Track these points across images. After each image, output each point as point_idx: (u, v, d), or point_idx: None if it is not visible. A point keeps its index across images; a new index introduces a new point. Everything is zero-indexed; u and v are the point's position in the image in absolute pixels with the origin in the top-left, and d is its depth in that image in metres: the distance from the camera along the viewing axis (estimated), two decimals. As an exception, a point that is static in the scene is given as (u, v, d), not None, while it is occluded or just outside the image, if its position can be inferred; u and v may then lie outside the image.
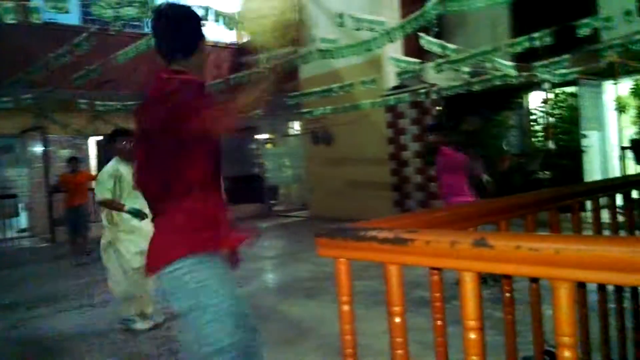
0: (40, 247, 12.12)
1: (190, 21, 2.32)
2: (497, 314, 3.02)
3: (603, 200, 2.45)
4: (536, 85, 9.94)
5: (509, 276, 1.77)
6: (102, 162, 14.42)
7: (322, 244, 1.42)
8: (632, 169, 9.02)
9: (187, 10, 2.38)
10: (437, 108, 11.08)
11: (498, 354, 1.89)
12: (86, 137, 14.20)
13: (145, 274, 2.22)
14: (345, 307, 1.41)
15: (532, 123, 11.12)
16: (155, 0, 5.35)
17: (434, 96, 10.64)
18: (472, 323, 1.17)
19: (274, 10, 2.06)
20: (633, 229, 2.63)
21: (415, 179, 11.78)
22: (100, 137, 14.44)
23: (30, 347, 4.91)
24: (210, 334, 2.11)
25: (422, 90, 10.54)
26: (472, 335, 1.18)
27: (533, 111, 11.08)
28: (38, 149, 13.49)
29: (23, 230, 13.66)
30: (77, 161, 9.81)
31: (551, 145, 9.78)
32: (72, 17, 13.02)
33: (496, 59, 8.30)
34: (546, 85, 9.45)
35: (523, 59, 9.06)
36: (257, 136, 16.68)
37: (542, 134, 10.49)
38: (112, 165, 5.02)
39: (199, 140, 2.13)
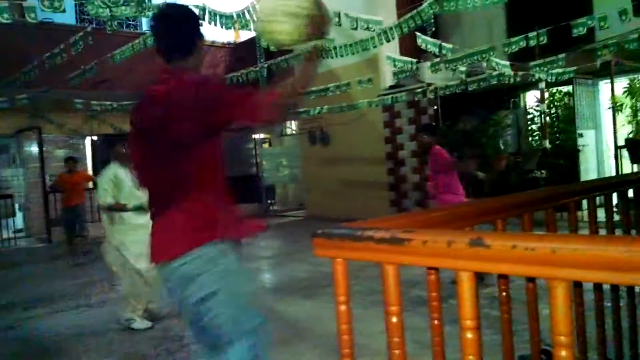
0: (37, 247, 12.09)
1: (191, 21, 2.36)
2: (494, 313, 3.03)
3: (599, 200, 2.45)
4: (532, 85, 9.96)
5: (506, 275, 1.77)
6: (98, 162, 14.41)
7: (319, 244, 1.42)
8: (627, 168, 9.05)
9: (186, 10, 2.43)
10: (434, 107, 11.09)
11: (495, 353, 1.89)
12: (82, 137, 14.18)
13: (161, 262, 2.21)
14: (343, 307, 1.41)
15: (528, 122, 11.14)
16: (151, -1, 5.35)
17: (430, 95, 10.65)
18: (469, 322, 1.17)
19: (295, 7, 2.09)
20: (629, 228, 2.64)
21: (412, 178, 11.78)
22: (96, 137, 14.43)
23: (27, 348, 4.90)
24: (235, 317, 2.17)
25: (419, 90, 10.56)
26: (469, 335, 1.18)
27: (529, 110, 11.11)
28: (34, 148, 13.45)
29: (19, 231, 13.61)
30: (74, 161, 9.80)
31: (547, 144, 9.80)
32: (68, 17, 12.97)
33: (492, 58, 8.32)
34: (542, 85, 9.47)
35: (519, 59, 9.08)
36: (253, 136, 16.66)
37: (538, 133, 10.52)
38: (111, 169, 5.11)
39: (213, 135, 2.21)
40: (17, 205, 13.55)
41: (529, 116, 11.08)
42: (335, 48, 7.74)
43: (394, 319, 1.33)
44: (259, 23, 2.21)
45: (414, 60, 9.35)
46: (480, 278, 5.01)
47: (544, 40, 7.86)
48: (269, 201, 16.94)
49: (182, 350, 4.36)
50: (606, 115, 10.07)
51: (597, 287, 2.25)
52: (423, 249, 1.18)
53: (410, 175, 11.83)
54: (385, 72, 11.52)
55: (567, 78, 9.25)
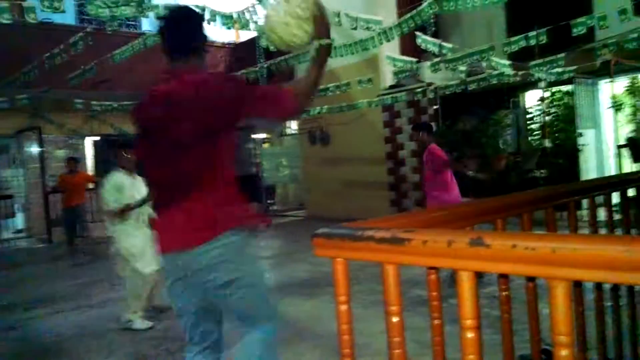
0: (37, 248, 12.10)
1: (199, 23, 2.46)
2: (494, 312, 3.03)
3: (599, 199, 2.45)
4: (532, 84, 9.96)
5: (506, 275, 1.77)
6: (98, 162, 14.43)
7: (319, 244, 1.42)
8: (628, 167, 9.05)
9: (195, 13, 2.54)
10: (434, 107, 11.09)
11: (495, 352, 1.89)
12: (82, 137, 14.18)
13: (179, 250, 2.26)
14: (343, 307, 1.41)
15: (528, 122, 11.14)
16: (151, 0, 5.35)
17: (430, 95, 10.65)
18: (469, 322, 1.17)
19: (300, 11, 2.22)
20: (629, 227, 2.64)
21: (412, 178, 11.78)
22: (97, 137, 14.42)
23: (28, 348, 4.90)
24: (260, 301, 2.35)
25: (419, 90, 10.55)
26: (470, 334, 1.18)
27: (529, 110, 11.11)
28: (34, 149, 13.45)
29: (20, 231, 13.62)
30: (75, 161, 9.81)
31: (547, 143, 9.80)
32: (68, 17, 12.99)
33: (492, 58, 8.31)
34: (542, 84, 9.47)
35: (519, 58, 9.08)
36: (254, 136, 16.66)
37: (538, 132, 10.51)
38: (113, 176, 5.19)
39: (235, 128, 2.36)
40: (17, 206, 13.56)
41: (529, 116, 11.07)
42: (335, 48, 7.74)
43: (395, 319, 1.33)
44: (270, 30, 2.30)
45: (414, 60, 9.36)
46: (479, 276, 5.05)
47: (543, 39, 7.86)
48: (269, 201, 16.93)
49: (182, 350, 4.36)
50: (606, 114, 10.07)
51: (597, 286, 2.25)
52: (423, 249, 1.18)
53: (410, 175, 11.84)
54: (385, 72, 11.53)
55: (567, 77, 9.24)
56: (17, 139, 13.68)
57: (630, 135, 9.48)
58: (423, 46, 8.01)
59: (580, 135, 9.76)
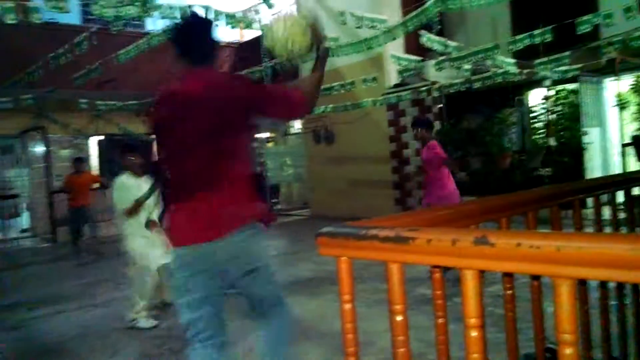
0: (42, 248, 12.14)
1: (210, 30, 2.60)
2: (499, 311, 3.02)
3: (604, 198, 2.45)
4: (537, 83, 9.93)
5: (510, 274, 1.77)
6: (103, 162, 14.47)
7: (323, 243, 1.42)
8: (633, 165, 9.02)
9: (209, 21, 2.75)
10: (438, 106, 11.08)
11: (499, 351, 1.89)
12: (86, 137, 14.21)
13: (200, 242, 2.39)
14: (347, 306, 1.41)
15: (532, 120, 11.11)
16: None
17: (435, 94, 10.64)
18: (473, 321, 1.17)
19: (296, 27, 2.43)
20: (634, 226, 2.63)
21: (416, 176, 11.75)
22: (101, 137, 14.47)
23: (32, 348, 4.92)
24: (275, 286, 2.61)
25: (423, 88, 10.54)
26: (474, 333, 1.18)
27: (534, 108, 11.07)
28: (39, 149, 13.49)
29: (24, 231, 13.67)
30: (81, 162, 9.84)
31: (552, 142, 9.77)
32: (73, 17, 13.02)
33: (497, 56, 8.30)
34: (547, 83, 9.44)
35: (524, 56, 9.05)
36: (258, 135, 16.66)
37: (543, 131, 10.48)
38: (119, 178, 5.30)
39: (247, 127, 2.50)
40: (22, 206, 13.61)
41: (534, 114, 11.03)
42: (340, 47, 7.74)
43: (399, 318, 1.33)
44: (276, 41, 2.46)
45: (419, 58, 9.34)
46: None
47: (548, 38, 7.83)
48: (273, 200, 16.94)
49: (186, 349, 4.37)
50: (611, 112, 10.03)
51: (602, 285, 2.25)
52: (427, 248, 1.18)
53: (414, 174, 11.81)
54: (390, 70, 11.51)
55: (572, 76, 9.20)
56: (22, 139, 13.73)
57: (635, 133, 9.44)
58: (428, 45, 8.00)
59: (585, 133, 9.73)
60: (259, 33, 9.91)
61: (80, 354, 4.58)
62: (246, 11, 6.32)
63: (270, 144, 18.17)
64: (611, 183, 2.61)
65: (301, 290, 6.18)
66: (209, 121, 2.36)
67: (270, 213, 3.12)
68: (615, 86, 9.28)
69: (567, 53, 8.32)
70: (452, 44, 8.35)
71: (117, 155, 5.72)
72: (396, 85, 11.55)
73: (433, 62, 9.06)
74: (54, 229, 12.45)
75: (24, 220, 13.89)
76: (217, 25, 2.72)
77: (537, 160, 10.00)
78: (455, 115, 11.12)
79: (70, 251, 9.83)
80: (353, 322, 1.42)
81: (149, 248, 5.15)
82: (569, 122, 10.18)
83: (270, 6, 6.59)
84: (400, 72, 10.21)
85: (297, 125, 16.37)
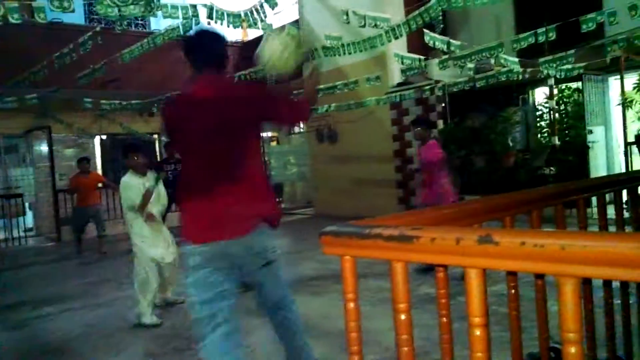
0: (46, 247, 12.16)
1: (220, 42, 2.83)
2: (503, 310, 3.01)
3: (608, 196, 2.44)
4: (541, 81, 9.90)
5: (514, 272, 1.77)
6: (107, 161, 14.49)
7: (327, 242, 1.42)
8: (637, 164, 8.99)
9: (217, 34, 2.90)
10: (442, 105, 11.06)
11: (503, 350, 1.89)
12: (91, 136, 14.25)
13: (229, 238, 2.56)
14: (351, 304, 1.42)
15: (537, 119, 11.08)
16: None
17: (438, 93, 10.63)
18: (477, 319, 1.17)
19: (286, 45, 2.69)
20: (639, 225, 2.63)
21: (419, 176, 11.73)
22: (105, 136, 14.50)
23: (36, 347, 4.92)
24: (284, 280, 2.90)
25: (427, 87, 10.53)
26: (478, 332, 1.18)
27: (538, 107, 11.04)
28: (43, 148, 13.53)
29: (29, 230, 13.70)
30: (87, 162, 9.87)
31: (556, 141, 9.74)
32: (77, 17, 13.04)
33: (501, 54, 8.27)
34: (551, 81, 9.41)
35: (527, 55, 9.03)
36: (261, 134, 16.66)
37: (547, 129, 10.45)
38: (125, 178, 5.36)
39: (259, 130, 2.77)
40: (27, 205, 13.65)
41: (538, 113, 11.00)
42: (343, 46, 7.74)
43: (403, 316, 1.33)
44: (270, 62, 2.72)
45: (422, 57, 9.32)
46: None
47: (552, 36, 7.80)
48: (276, 199, 16.91)
49: (189, 348, 4.38)
50: (616, 111, 9.99)
51: (607, 283, 2.24)
52: (431, 247, 1.18)
53: (414, 172, 11.79)
54: (393, 69, 11.49)
55: (576, 74, 9.18)
56: (26, 138, 13.77)
57: (639, 132, 9.41)
58: (431, 43, 7.98)
59: (590, 132, 9.71)
60: (262, 33, 9.90)
61: (83, 353, 4.59)
62: (249, 10, 6.32)
63: (273, 143, 18.19)
64: (616, 182, 2.61)
65: (305, 289, 6.17)
66: (225, 121, 2.53)
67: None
68: (620, 85, 9.24)
69: (571, 51, 8.29)
70: (455, 42, 8.34)
71: (121, 152, 5.82)
72: (399, 84, 11.54)
73: (437, 60, 9.04)
74: (58, 228, 12.48)
75: (29, 219, 13.92)
76: (225, 38, 2.91)
77: (542, 158, 9.98)
78: (459, 114, 11.10)
79: (74, 250, 9.87)
80: (357, 321, 1.42)
81: (153, 246, 5.24)
82: (573, 121, 10.15)
83: (273, 6, 6.58)
84: (403, 71, 10.18)
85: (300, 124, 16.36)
